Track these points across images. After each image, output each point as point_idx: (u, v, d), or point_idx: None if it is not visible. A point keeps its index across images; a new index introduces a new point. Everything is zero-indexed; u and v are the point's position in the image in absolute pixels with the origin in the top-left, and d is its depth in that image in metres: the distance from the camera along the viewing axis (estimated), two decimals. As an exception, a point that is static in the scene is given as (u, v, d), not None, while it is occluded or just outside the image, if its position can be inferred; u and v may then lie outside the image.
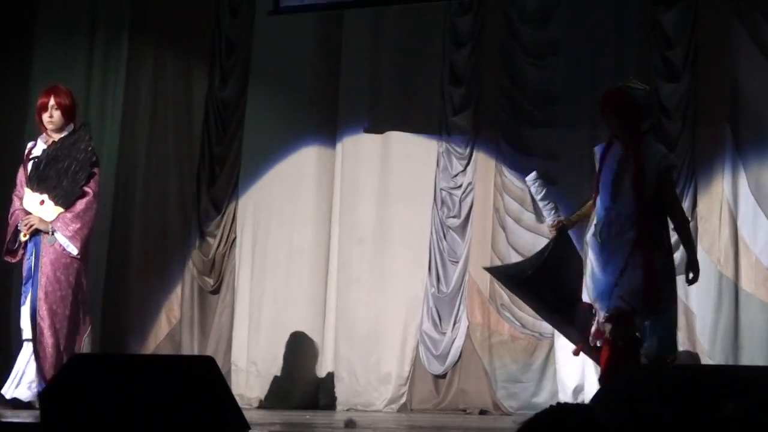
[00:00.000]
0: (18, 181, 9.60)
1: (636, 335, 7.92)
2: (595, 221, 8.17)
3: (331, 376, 10.77)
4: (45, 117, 9.44)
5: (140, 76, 11.61)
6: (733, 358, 9.44)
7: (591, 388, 8.36)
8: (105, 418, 6.06)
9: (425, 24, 10.63)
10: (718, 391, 5.72)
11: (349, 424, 8.28)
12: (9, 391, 9.22)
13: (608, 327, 8.02)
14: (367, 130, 10.84)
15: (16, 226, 9.45)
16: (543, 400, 9.51)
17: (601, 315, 8.00)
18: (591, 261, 8.20)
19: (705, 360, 9.51)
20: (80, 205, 9.45)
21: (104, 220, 11.20)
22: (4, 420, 7.68)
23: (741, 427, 5.49)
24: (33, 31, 11.98)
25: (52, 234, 9.39)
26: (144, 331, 11.48)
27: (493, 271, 9.35)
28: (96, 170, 9.58)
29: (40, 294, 9.38)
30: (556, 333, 9.85)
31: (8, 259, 9.55)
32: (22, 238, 9.43)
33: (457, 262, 10.47)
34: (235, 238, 11.23)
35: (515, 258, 10.12)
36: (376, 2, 10.75)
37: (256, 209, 10.75)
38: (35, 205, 9.36)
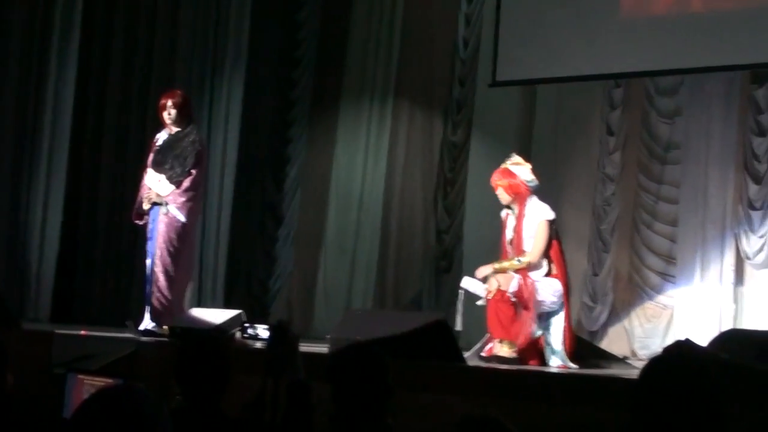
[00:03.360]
0: (147, 162, 9.57)
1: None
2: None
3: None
4: (164, 114, 9.40)
5: (399, 125, 12.10)
6: None
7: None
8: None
9: (590, 94, 10.96)
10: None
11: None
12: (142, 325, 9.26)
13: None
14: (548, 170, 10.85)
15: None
16: (665, 349, 9.61)
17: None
18: None
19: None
20: (186, 183, 9.27)
21: (376, 223, 11.98)
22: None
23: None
24: (339, 95, 12.46)
25: (166, 205, 9.24)
26: (398, 295, 11.77)
27: None
28: (203, 157, 9.53)
29: (157, 251, 9.24)
30: (675, 306, 10.27)
31: (136, 221, 9.49)
32: (145, 206, 9.33)
33: (607, 253, 10.63)
34: (462, 236, 11.46)
35: (648, 255, 10.55)
36: (562, 80, 10.73)
37: (477, 216, 11.03)
38: (155, 183, 9.33)
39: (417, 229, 11.80)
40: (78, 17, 12.34)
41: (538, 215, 8.37)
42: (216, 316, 9.03)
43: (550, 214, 8.45)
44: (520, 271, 8.30)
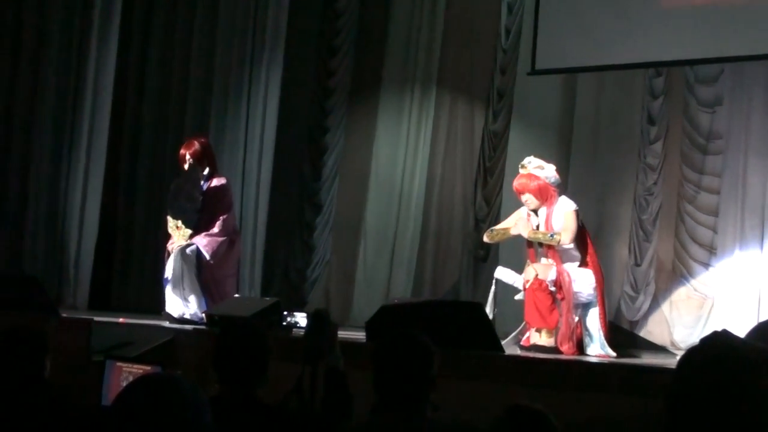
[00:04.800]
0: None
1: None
2: None
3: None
4: (185, 166, 9.49)
5: (440, 114, 12.14)
6: None
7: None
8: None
9: (631, 83, 10.91)
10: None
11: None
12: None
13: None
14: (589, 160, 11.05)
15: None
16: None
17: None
18: None
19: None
20: (216, 228, 9.40)
21: (415, 211, 12.00)
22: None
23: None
24: (379, 84, 12.52)
25: (192, 246, 9.35)
26: (436, 284, 11.81)
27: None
28: (227, 201, 9.61)
29: (208, 276, 9.43)
30: (716, 296, 10.16)
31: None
32: (171, 251, 9.43)
33: (649, 243, 10.62)
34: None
35: (691, 245, 10.56)
36: (601, 68, 10.76)
37: (514, 205, 10.99)
38: (174, 229, 9.47)
39: (456, 218, 11.84)
40: (118, 7, 12.35)
41: (563, 208, 8.44)
42: (254, 304, 9.05)
43: (575, 205, 8.52)
44: (555, 261, 8.36)
